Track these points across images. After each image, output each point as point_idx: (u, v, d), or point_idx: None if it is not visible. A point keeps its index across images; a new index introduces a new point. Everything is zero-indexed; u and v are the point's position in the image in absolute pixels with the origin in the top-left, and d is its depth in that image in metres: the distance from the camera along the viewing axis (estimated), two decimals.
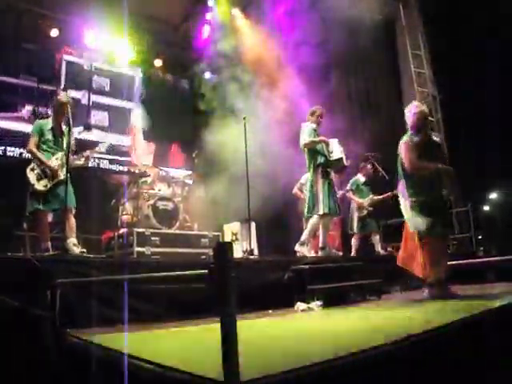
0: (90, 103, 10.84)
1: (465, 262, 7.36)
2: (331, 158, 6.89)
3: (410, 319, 3.45)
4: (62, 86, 10.13)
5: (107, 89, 11.38)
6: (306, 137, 6.89)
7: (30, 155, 5.88)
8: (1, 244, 7.15)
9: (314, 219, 6.80)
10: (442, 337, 2.78)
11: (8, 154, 9.55)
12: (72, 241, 5.57)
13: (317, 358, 1.98)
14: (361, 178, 9.06)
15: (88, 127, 10.13)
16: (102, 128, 10.95)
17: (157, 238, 7.20)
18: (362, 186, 9.02)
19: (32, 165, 5.67)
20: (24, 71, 9.99)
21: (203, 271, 1.69)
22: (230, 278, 1.54)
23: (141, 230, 7.14)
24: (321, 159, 6.89)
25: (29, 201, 5.62)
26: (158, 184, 8.52)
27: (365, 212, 8.77)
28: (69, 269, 3.90)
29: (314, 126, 7.00)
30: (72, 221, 5.74)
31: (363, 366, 2.10)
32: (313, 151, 6.96)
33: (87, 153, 6.28)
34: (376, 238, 8.89)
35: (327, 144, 6.93)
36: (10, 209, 7.96)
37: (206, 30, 11.32)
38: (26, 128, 9.03)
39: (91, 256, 5.63)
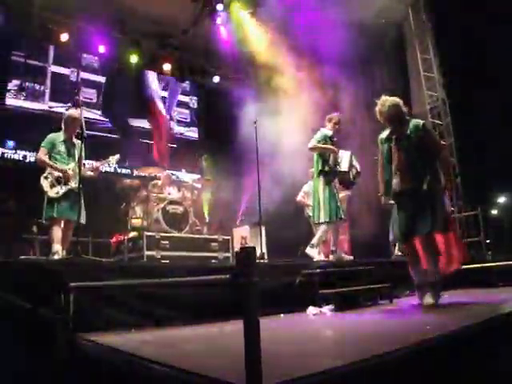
0: (79, 79, 10.80)
1: (475, 266, 7.35)
2: (337, 169, 6.85)
3: (424, 324, 3.44)
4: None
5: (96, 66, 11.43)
6: (313, 141, 6.87)
7: (41, 165, 5.97)
8: (11, 247, 7.21)
9: (321, 226, 6.81)
10: (456, 342, 2.77)
11: (28, 160, 9.62)
12: (57, 248, 5.63)
13: (337, 362, 1.98)
14: None
15: (77, 104, 10.14)
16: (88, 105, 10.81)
17: (166, 242, 7.24)
18: None
19: (46, 173, 5.78)
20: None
21: (226, 276, 1.70)
22: (253, 282, 1.55)
23: (151, 233, 7.17)
24: (325, 167, 6.86)
25: (45, 207, 5.78)
26: (167, 188, 8.54)
27: None
28: (82, 272, 3.91)
29: (330, 133, 6.94)
30: (70, 235, 5.92)
31: (376, 370, 2.09)
32: (319, 157, 6.92)
33: (97, 164, 6.42)
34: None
35: (336, 153, 6.85)
36: (21, 212, 8.02)
37: (214, 34, 11.32)
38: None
39: (103, 260, 5.67)
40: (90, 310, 3.65)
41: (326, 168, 6.83)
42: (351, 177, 6.88)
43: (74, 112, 6.15)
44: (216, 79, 12.57)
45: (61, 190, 5.73)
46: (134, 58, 11.28)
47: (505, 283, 6.95)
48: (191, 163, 10.73)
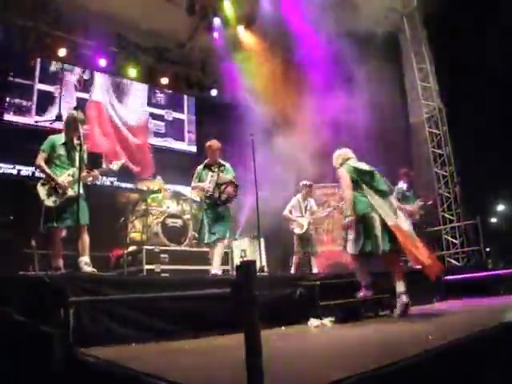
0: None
1: (475, 275, 7.36)
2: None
3: (425, 334, 3.43)
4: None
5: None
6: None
7: (38, 170, 5.84)
8: (9, 262, 7.18)
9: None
10: (458, 351, 2.77)
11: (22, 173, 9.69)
12: (84, 259, 5.44)
13: (341, 374, 1.97)
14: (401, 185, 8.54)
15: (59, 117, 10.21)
16: None
17: (166, 255, 7.22)
18: (407, 192, 8.46)
19: (42, 180, 5.61)
20: None
21: (226, 290, 1.70)
22: (254, 295, 1.55)
23: (150, 247, 7.16)
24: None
25: (42, 218, 5.54)
26: (166, 201, 8.54)
27: (417, 217, 8.26)
28: (81, 287, 3.90)
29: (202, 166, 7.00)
30: (85, 239, 5.62)
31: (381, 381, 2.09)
32: None
33: (95, 172, 6.16)
34: None
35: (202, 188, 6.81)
36: (19, 226, 8.00)
37: (211, 48, 11.43)
38: None
39: (103, 274, 5.63)
40: (89, 324, 3.64)
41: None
42: (218, 196, 6.60)
43: (74, 112, 5.99)
44: (214, 92, 12.65)
45: (58, 199, 5.57)
46: (132, 72, 11.36)
47: (506, 291, 6.95)
48: (190, 177, 10.73)
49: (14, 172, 9.73)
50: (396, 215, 5.25)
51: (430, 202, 8.71)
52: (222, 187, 6.60)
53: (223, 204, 6.64)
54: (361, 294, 5.27)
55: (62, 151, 5.77)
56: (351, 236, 5.31)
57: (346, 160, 5.71)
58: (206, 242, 6.49)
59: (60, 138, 5.83)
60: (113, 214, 8.94)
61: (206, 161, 6.92)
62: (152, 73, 11.92)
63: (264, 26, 10.36)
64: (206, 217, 6.63)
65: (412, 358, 2.36)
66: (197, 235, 6.77)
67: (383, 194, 5.39)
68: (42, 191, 5.54)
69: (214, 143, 6.85)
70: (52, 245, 5.64)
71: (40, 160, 5.69)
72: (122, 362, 2.69)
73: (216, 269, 6.28)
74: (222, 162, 6.87)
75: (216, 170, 6.74)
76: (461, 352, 2.74)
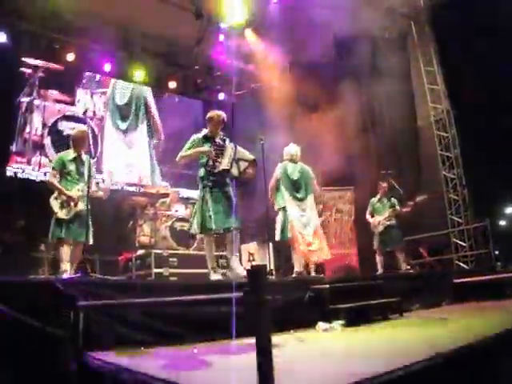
0: None
1: (484, 278, 7.32)
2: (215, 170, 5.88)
3: (436, 338, 3.42)
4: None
5: None
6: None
7: (51, 188, 6.04)
8: (19, 266, 7.22)
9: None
10: (470, 355, 2.75)
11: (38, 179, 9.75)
12: (66, 267, 5.67)
13: (351, 378, 1.97)
14: (375, 198, 9.25)
15: None
16: None
17: (175, 259, 7.24)
18: (377, 203, 9.14)
19: (55, 193, 5.88)
20: None
21: (238, 294, 1.70)
22: (265, 300, 1.55)
23: (159, 251, 7.18)
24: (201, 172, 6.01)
25: (52, 227, 5.85)
26: (174, 205, 8.56)
27: (380, 228, 8.80)
28: (91, 291, 3.91)
29: (202, 134, 6.08)
30: (79, 253, 5.95)
31: None
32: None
33: (105, 186, 6.53)
34: (399, 255, 8.85)
35: (210, 153, 5.90)
36: (28, 231, 8.05)
37: (219, 52, 11.46)
38: None
39: (112, 278, 5.68)
40: (98, 328, 3.64)
41: (202, 173, 5.83)
42: (236, 173, 5.85)
43: (81, 128, 6.26)
44: (221, 96, 12.67)
45: (70, 211, 5.80)
46: (139, 77, 11.41)
47: None
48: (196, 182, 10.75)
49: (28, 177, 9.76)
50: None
51: (405, 209, 9.02)
52: (242, 166, 5.84)
53: (240, 185, 6.19)
54: None
55: (71, 167, 6.06)
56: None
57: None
58: (213, 227, 5.51)
59: (68, 155, 6.13)
60: (121, 218, 8.97)
61: (205, 131, 6.03)
62: (160, 77, 11.95)
63: (271, 29, 10.37)
64: (210, 197, 5.60)
65: (423, 362, 2.35)
66: (194, 223, 5.73)
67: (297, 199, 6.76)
68: (55, 204, 5.87)
69: (218, 113, 6.07)
70: (60, 253, 5.86)
71: (51, 177, 6.06)
72: (132, 366, 2.70)
73: (218, 275, 5.73)
74: (223, 135, 6.02)
75: (222, 143, 5.87)
76: (472, 356, 2.72)
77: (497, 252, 10.94)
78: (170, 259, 7.19)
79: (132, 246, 7.95)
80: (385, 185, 9.13)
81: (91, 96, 11.24)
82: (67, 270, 5.63)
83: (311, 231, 6.71)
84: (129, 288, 4.24)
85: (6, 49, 9.36)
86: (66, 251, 5.77)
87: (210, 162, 5.70)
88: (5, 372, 3.09)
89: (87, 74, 11.19)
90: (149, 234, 7.92)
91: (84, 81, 11.16)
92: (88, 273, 5.48)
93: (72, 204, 5.84)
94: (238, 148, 5.92)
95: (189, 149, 5.85)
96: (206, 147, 5.77)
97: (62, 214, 5.81)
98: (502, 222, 22.28)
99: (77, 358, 3.17)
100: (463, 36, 10.70)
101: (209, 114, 6.13)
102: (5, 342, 3.17)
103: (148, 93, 12.20)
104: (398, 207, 8.91)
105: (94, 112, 11.24)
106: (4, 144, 9.42)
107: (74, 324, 3.40)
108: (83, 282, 4.29)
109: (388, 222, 8.86)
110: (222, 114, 6.06)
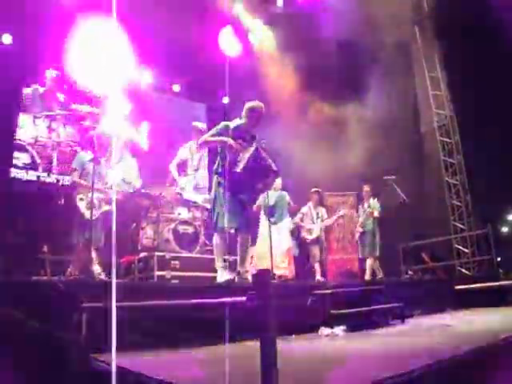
0: None
1: (485, 284, 7.31)
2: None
3: (437, 344, 3.42)
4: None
5: None
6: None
7: (77, 186, 6.12)
8: (20, 267, 7.23)
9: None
10: (471, 362, 2.75)
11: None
12: (98, 268, 5.82)
13: None
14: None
15: None
16: None
17: (177, 262, 7.22)
18: (360, 208, 9.23)
19: (81, 194, 5.87)
20: None
21: (242, 298, 1.71)
22: (270, 304, 1.56)
23: (161, 253, 7.17)
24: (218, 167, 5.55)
25: (76, 230, 5.96)
26: (178, 208, 8.56)
27: (357, 235, 9.00)
28: (94, 293, 3.92)
29: (234, 124, 5.53)
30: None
31: None
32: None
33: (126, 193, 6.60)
34: (368, 263, 8.72)
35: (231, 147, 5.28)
36: (30, 232, 8.05)
37: (224, 55, 11.47)
38: None
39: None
40: (101, 330, 3.65)
41: (219, 168, 5.37)
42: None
43: (100, 131, 6.29)
44: (226, 100, 12.66)
45: (97, 212, 5.80)
46: (144, 80, 11.43)
47: None
48: None
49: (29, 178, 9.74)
50: None
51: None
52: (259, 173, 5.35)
53: (257, 193, 5.84)
54: None
55: (90, 168, 6.05)
56: None
57: None
58: (225, 226, 5.15)
59: (86, 155, 6.25)
60: (124, 221, 8.97)
61: (238, 121, 5.34)
62: (163, 80, 11.96)
63: (278, 32, 10.42)
64: (223, 194, 5.18)
65: (425, 368, 2.36)
66: (214, 220, 5.37)
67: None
68: (81, 205, 5.98)
69: (262, 105, 5.40)
70: (79, 255, 5.90)
71: (74, 177, 6.19)
72: (135, 368, 2.70)
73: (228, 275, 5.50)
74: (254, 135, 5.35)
75: (249, 141, 5.28)
76: (474, 363, 2.73)
77: (499, 258, 10.93)
78: (173, 262, 7.16)
79: (134, 249, 7.94)
80: (367, 189, 9.08)
81: None
82: (100, 272, 5.67)
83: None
84: (131, 290, 4.24)
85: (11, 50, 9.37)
86: (83, 255, 5.80)
87: (228, 158, 5.10)
88: (8, 373, 3.10)
89: None
90: (152, 237, 7.91)
91: None
92: (91, 275, 5.50)
93: (98, 204, 5.90)
94: (263, 154, 5.31)
95: (213, 135, 5.30)
96: (230, 139, 5.12)
97: (88, 214, 5.78)
98: (505, 229, 22.23)
99: (80, 359, 3.18)
100: (467, 42, 10.71)
101: (251, 104, 5.42)
102: (8, 344, 3.18)
103: None
104: (375, 212, 8.71)
105: None
106: (6, 144, 9.41)
107: (78, 325, 3.42)
108: (86, 284, 4.31)
109: (361, 229, 8.81)
110: (264, 108, 5.40)
